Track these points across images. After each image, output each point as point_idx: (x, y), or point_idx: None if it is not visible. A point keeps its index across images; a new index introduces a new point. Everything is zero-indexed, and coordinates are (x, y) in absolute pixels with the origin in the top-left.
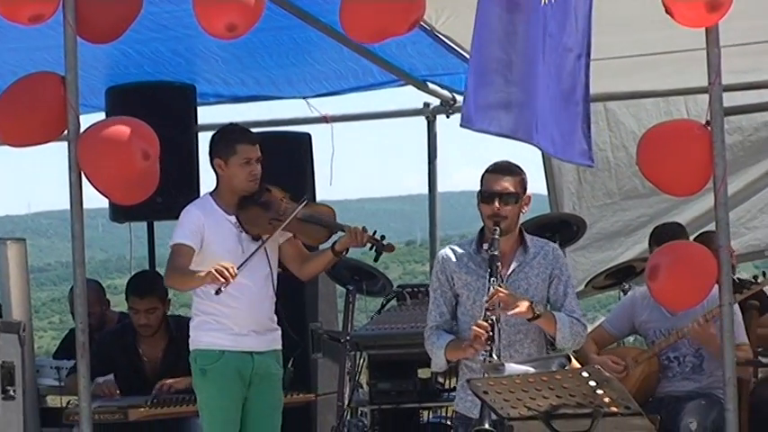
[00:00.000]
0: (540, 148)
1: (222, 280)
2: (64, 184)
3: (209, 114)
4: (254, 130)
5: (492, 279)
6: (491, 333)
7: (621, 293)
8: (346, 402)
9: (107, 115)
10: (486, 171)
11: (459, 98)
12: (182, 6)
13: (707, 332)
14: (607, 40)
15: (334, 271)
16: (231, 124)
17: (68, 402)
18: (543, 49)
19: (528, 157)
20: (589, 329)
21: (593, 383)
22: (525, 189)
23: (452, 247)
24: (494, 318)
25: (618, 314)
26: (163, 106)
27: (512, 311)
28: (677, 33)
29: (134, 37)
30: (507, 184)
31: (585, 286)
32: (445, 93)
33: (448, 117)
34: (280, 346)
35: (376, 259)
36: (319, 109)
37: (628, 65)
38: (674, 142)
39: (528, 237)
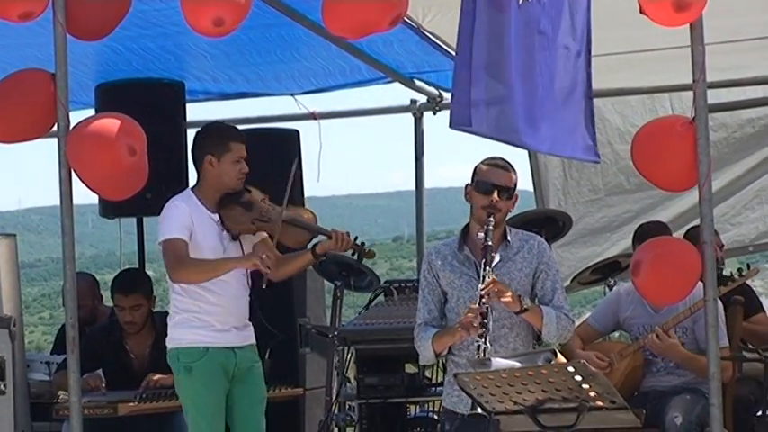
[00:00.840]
0: (527, 148)
1: (268, 270)
2: (54, 180)
3: (198, 111)
4: (242, 126)
5: (486, 268)
6: (485, 320)
7: (607, 289)
8: (334, 396)
9: (97, 112)
10: (484, 164)
11: (446, 95)
12: (170, 4)
13: (666, 343)
14: (593, 37)
15: (322, 266)
16: (218, 122)
17: (58, 397)
18: (533, 48)
19: (515, 152)
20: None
21: (578, 378)
22: (516, 185)
23: (438, 246)
24: (488, 306)
25: (603, 310)
26: (152, 103)
27: (501, 300)
28: (662, 31)
29: (123, 34)
30: (507, 178)
31: (571, 282)
32: (432, 90)
33: (435, 114)
34: (254, 340)
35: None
36: (307, 106)
37: (613, 62)
38: (666, 139)
39: (511, 231)
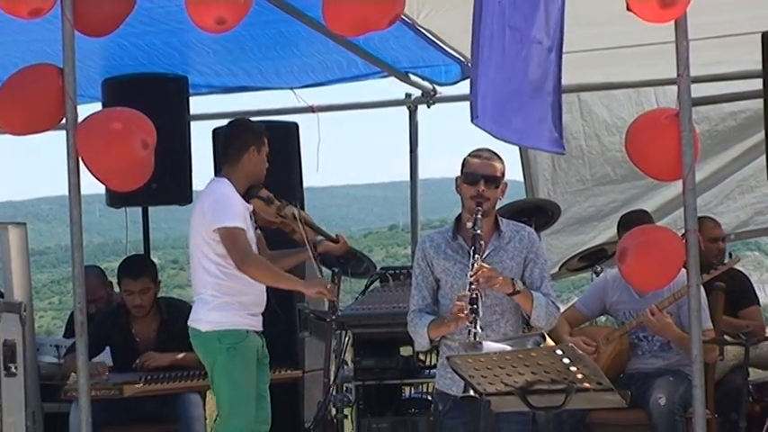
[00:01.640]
0: (500, 139)
1: (334, 299)
2: (63, 170)
3: (201, 104)
4: (239, 120)
5: (476, 255)
6: (475, 306)
7: (594, 275)
8: (332, 379)
9: (103, 105)
10: (471, 156)
11: (440, 89)
12: (174, 2)
13: (661, 322)
14: (581, 33)
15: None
16: (248, 119)
17: (68, 378)
18: (504, 42)
19: (505, 145)
20: (562, 309)
21: (566, 361)
22: (504, 176)
23: (431, 235)
24: (477, 291)
25: (590, 295)
26: (157, 97)
27: (494, 285)
28: (648, 27)
29: (129, 30)
30: (492, 168)
31: (560, 268)
32: (426, 84)
33: (429, 107)
34: None
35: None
36: (306, 99)
37: (600, 57)
38: (657, 131)
39: (503, 221)
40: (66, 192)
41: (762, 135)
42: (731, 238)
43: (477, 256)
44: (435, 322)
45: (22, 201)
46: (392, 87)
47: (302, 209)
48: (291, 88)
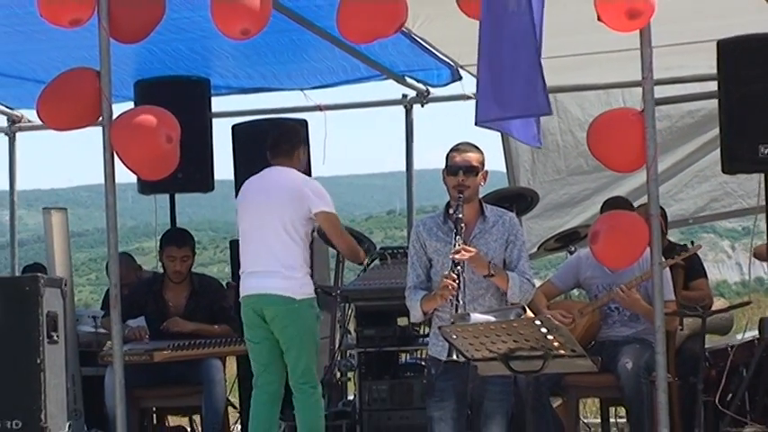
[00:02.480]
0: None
1: None
2: (99, 162)
3: (222, 104)
4: (258, 117)
5: (457, 237)
6: (457, 282)
7: (568, 254)
8: (337, 346)
9: (135, 104)
10: (451, 150)
11: (433, 90)
12: (198, 13)
13: (631, 297)
14: (558, 41)
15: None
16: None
17: (103, 346)
18: (502, 50)
19: (491, 139)
20: (539, 285)
21: (544, 330)
22: (483, 165)
23: (424, 219)
24: (459, 269)
25: (564, 271)
26: (182, 97)
27: (472, 264)
28: (616, 36)
29: (158, 38)
30: (469, 159)
31: (538, 249)
32: (420, 86)
33: (422, 106)
34: None
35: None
36: (314, 99)
37: (574, 62)
38: (617, 127)
39: (487, 207)
40: (102, 180)
41: (716, 131)
42: (690, 222)
43: (458, 237)
44: (427, 297)
45: (64, 189)
46: (390, 89)
47: None
48: (301, 89)
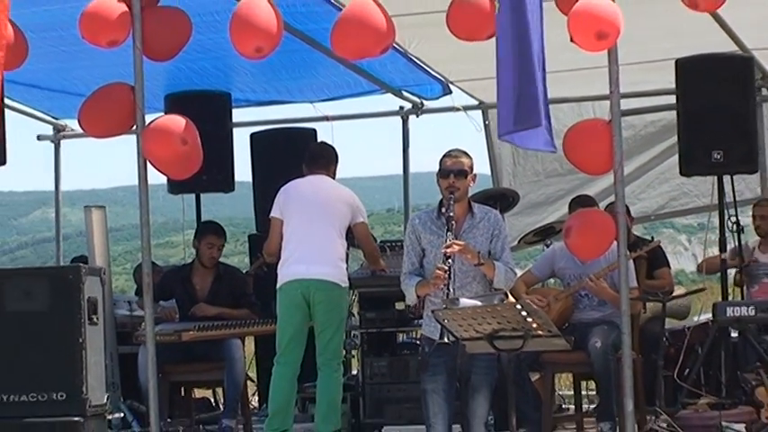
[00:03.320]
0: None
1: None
2: (133, 165)
3: (241, 115)
4: (272, 126)
5: (449, 233)
6: (448, 273)
7: (545, 247)
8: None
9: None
10: (444, 156)
11: (426, 103)
12: (220, 35)
13: (598, 286)
14: None
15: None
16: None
17: (138, 327)
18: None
19: (477, 146)
20: (520, 273)
21: (524, 314)
22: (472, 169)
23: (419, 214)
24: (450, 261)
25: (542, 262)
26: (207, 108)
27: (463, 256)
28: (586, 55)
29: (185, 57)
30: (460, 164)
31: (518, 242)
32: (415, 99)
33: (417, 117)
34: None
35: None
36: (323, 110)
37: (551, 78)
38: (588, 135)
39: (475, 206)
40: (136, 182)
41: (675, 139)
42: (652, 218)
43: (449, 233)
44: (421, 282)
45: (103, 189)
46: (389, 101)
47: None
48: (311, 102)
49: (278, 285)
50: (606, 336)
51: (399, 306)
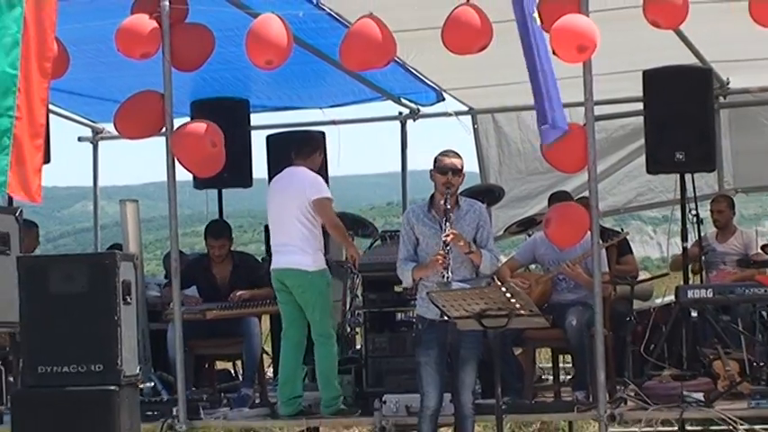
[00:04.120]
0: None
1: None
2: (163, 164)
3: (258, 119)
4: (285, 129)
5: (447, 223)
6: (447, 258)
7: (527, 236)
8: (348, 307)
9: (191, 119)
10: (441, 155)
11: (422, 108)
12: (240, 48)
13: (574, 271)
14: (521, 70)
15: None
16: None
17: (166, 305)
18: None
19: (467, 146)
20: (504, 260)
21: (509, 295)
22: (463, 168)
23: (413, 207)
24: (448, 248)
25: (524, 249)
26: (227, 113)
27: (456, 244)
28: (564, 66)
29: (209, 67)
30: (456, 163)
31: (504, 232)
32: (412, 105)
33: (414, 121)
34: None
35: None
36: (330, 115)
37: (528, 88)
38: (565, 137)
39: (462, 199)
40: (165, 178)
41: (642, 141)
42: (621, 211)
43: (447, 224)
44: (418, 267)
45: (136, 184)
46: (389, 107)
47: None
48: (320, 108)
49: None
50: (581, 315)
51: (398, 289)
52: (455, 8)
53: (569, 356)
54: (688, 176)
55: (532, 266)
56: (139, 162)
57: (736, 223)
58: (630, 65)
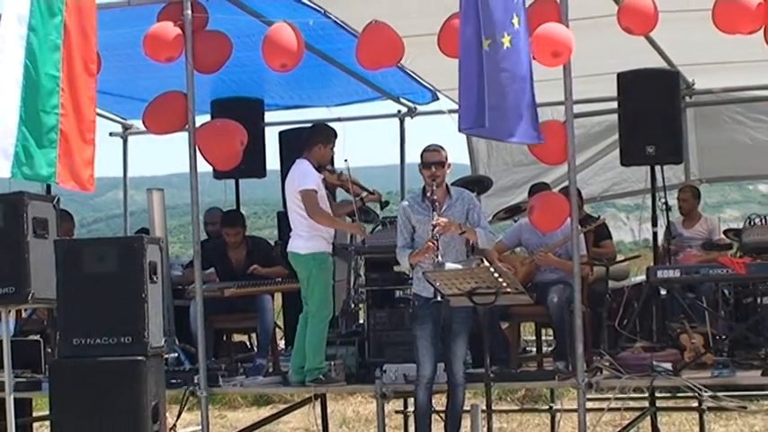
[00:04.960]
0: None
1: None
2: (186, 156)
3: (272, 116)
4: (296, 126)
5: (434, 212)
6: (437, 243)
7: (513, 222)
8: (352, 285)
9: (212, 117)
10: (425, 150)
11: (419, 107)
12: (255, 53)
13: (547, 258)
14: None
15: None
16: (323, 124)
17: (186, 287)
18: (500, 80)
19: (458, 141)
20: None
21: (496, 275)
22: (447, 159)
23: (407, 198)
24: (438, 235)
25: (510, 234)
26: (244, 111)
27: (448, 229)
28: (545, 68)
29: (227, 70)
30: (438, 156)
31: (492, 219)
32: (410, 104)
33: (412, 118)
34: None
35: (382, 207)
36: (336, 113)
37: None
38: (547, 133)
39: (452, 188)
40: (188, 169)
41: (616, 136)
42: (597, 199)
43: (434, 212)
44: (413, 253)
45: (161, 175)
46: (389, 106)
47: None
48: (327, 106)
49: None
50: (561, 293)
51: (397, 269)
52: (449, 17)
53: (551, 330)
54: (658, 168)
55: (518, 250)
56: (165, 155)
57: (700, 210)
58: (606, 68)
